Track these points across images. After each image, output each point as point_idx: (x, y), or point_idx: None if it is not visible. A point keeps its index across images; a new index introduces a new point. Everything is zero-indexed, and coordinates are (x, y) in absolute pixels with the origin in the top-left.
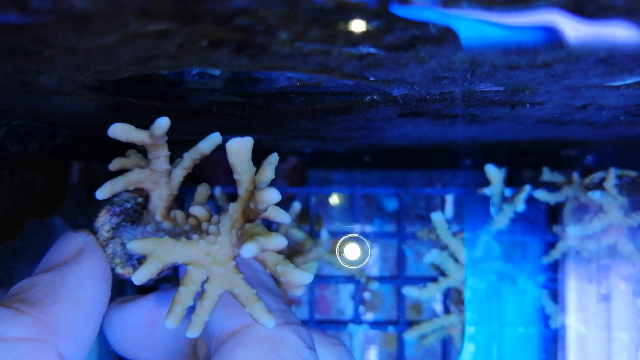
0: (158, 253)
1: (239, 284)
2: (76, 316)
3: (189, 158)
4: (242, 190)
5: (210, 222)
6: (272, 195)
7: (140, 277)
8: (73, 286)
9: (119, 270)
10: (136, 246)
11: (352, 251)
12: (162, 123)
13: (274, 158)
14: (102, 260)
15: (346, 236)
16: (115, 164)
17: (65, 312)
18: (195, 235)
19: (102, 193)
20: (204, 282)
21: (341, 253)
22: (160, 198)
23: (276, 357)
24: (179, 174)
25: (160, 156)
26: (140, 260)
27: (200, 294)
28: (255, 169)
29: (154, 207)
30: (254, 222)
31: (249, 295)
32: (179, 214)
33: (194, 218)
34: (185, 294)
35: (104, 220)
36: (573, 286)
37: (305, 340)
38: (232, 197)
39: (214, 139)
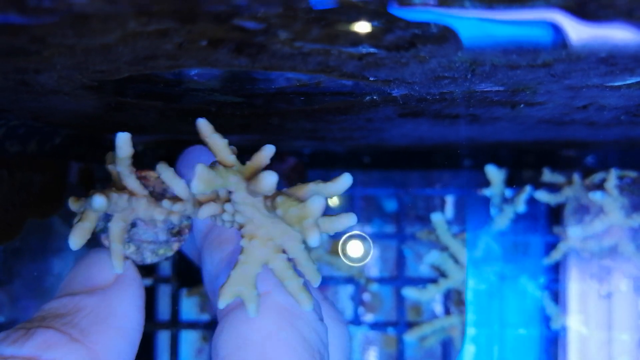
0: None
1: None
2: (123, 348)
3: (125, 166)
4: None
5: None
6: (271, 178)
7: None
8: (120, 316)
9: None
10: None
11: (354, 248)
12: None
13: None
14: (142, 289)
15: (348, 233)
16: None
17: (114, 344)
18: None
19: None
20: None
21: (344, 251)
22: (145, 208)
23: (292, 329)
24: (132, 180)
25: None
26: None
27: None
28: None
29: (148, 215)
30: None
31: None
32: (177, 203)
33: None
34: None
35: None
36: (574, 287)
37: (318, 312)
38: None
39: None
